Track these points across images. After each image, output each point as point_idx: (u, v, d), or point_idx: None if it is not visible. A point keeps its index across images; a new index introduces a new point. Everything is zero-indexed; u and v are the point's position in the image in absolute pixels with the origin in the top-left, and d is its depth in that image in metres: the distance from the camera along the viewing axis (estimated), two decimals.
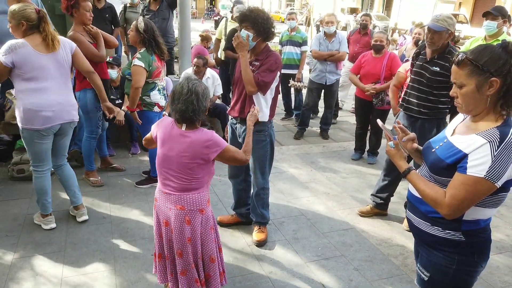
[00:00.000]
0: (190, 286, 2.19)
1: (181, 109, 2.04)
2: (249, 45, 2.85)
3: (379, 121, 1.95)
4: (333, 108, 6.02)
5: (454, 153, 1.58)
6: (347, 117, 7.09)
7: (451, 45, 3.25)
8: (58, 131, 3.08)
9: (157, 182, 3.92)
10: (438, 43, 3.16)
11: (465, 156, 1.53)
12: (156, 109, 3.85)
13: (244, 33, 2.84)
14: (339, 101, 7.00)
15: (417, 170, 1.81)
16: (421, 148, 1.89)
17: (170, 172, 2.13)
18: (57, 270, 2.76)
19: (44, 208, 3.21)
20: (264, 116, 2.95)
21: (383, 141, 5.26)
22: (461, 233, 1.64)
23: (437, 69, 3.20)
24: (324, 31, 5.60)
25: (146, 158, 4.80)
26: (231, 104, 3.11)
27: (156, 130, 2.23)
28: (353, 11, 30.69)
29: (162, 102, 3.91)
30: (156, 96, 3.83)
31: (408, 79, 3.55)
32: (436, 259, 1.72)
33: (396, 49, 9.84)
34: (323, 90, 5.82)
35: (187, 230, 2.13)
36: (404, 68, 3.88)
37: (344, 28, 26.19)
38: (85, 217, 3.35)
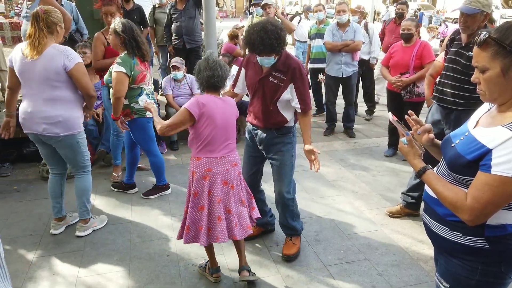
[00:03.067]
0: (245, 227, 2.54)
1: (208, 75, 2.35)
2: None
3: (390, 115, 1.76)
4: (353, 103, 5.69)
5: (476, 148, 1.37)
6: (383, 111, 6.72)
7: (489, 28, 2.94)
8: (44, 140, 2.94)
9: (164, 190, 3.86)
10: (473, 27, 2.88)
11: (488, 151, 1.32)
12: (148, 114, 3.44)
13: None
14: (375, 95, 6.70)
15: (435, 168, 1.60)
16: (439, 142, 1.68)
17: (227, 135, 2.45)
18: (74, 270, 2.79)
19: (53, 210, 3.20)
20: (291, 122, 2.77)
21: None
22: (484, 239, 1.42)
23: None
24: (337, 21, 5.30)
25: (173, 157, 4.82)
26: (251, 112, 2.83)
27: (200, 109, 2.35)
28: (395, 0, 29.45)
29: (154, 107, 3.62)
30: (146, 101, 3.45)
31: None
32: (456, 269, 1.51)
33: (438, 38, 9.27)
34: (340, 84, 5.54)
35: (242, 181, 2.55)
36: (442, 57, 3.58)
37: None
38: (79, 233, 3.15)
